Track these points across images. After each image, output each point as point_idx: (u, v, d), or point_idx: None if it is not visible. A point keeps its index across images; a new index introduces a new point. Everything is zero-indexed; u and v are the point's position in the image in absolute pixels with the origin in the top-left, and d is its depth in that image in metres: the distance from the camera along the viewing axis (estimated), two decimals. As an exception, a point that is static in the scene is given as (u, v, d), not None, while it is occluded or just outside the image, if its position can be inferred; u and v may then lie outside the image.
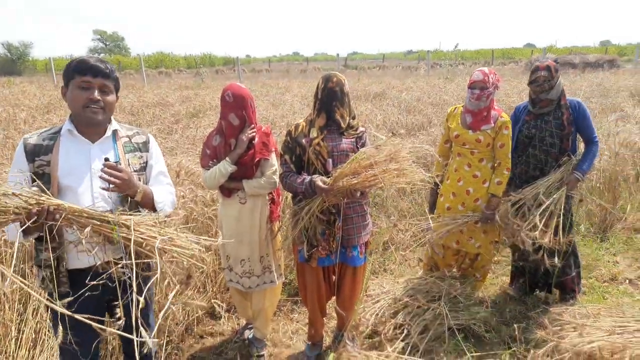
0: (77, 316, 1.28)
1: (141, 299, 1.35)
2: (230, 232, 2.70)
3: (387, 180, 2.18)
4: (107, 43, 52.78)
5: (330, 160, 2.45)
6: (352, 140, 2.51)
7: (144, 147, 2.01)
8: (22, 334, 2.60)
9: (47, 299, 1.33)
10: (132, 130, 2.02)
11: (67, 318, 1.39)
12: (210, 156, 2.69)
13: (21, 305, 2.72)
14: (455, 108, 3.18)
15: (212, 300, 3.12)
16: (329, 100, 2.46)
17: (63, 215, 1.56)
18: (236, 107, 2.57)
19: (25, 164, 1.78)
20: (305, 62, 37.46)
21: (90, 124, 1.84)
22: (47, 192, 1.60)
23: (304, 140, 2.49)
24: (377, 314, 2.88)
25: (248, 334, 2.97)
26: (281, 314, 3.26)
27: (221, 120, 2.67)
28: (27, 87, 15.79)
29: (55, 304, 1.32)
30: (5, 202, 1.48)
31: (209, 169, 2.64)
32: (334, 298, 2.79)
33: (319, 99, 2.50)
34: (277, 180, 2.68)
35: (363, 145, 2.55)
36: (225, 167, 2.55)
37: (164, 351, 2.62)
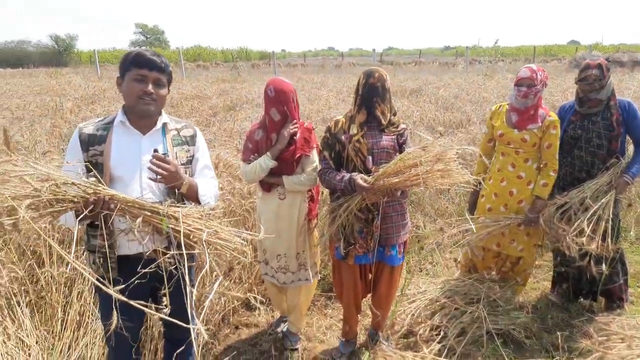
0: (133, 303, 1.32)
1: (194, 291, 1.38)
2: (268, 226, 2.71)
3: (430, 180, 2.13)
4: (148, 36, 54.21)
5: (370, 158, 2.41)
6: (393, 137, 2.47)
7: (191, 140, 2.03)
8: (68, 315, 2.71)
9: (104, 285, 1.36)
10: (180, 124, 2.05)
11: (115, 303, 1.44)
12: (251, 150, 2.70)
13: (66, 288, 2.83)
14: (500, 106, 3.08)
15: (248, 294, 3.16)
16: (370, 96, 2.43)
17: (118, 206, 1.60)
18: (277, 102, 2.56)
19: (80, 153, 1.83)
20: (340, 57, 37.29)
21: (142, 116, 1.87)
22: (101, 181, 1.65)
23: (343, 137, 2.47)
24: (413, 314, 2.84)
25: (282, 327, 2.99)
26: (315, 308, 3.26)
27: (265, 114, 2.68)
28: (72, 78, 16.44)
29: (111, 289, 1.36)
30: (65, 191, 1.53)
31: (249, 163, 2.66)
32: (368, 295, 2.77)
33: (359, 94, 2.47)
34: (316, 177, 2.65)
35: (404, 142, 2.50)
36: (266, 162, 2.55)
37: (202, 339, 2.66)
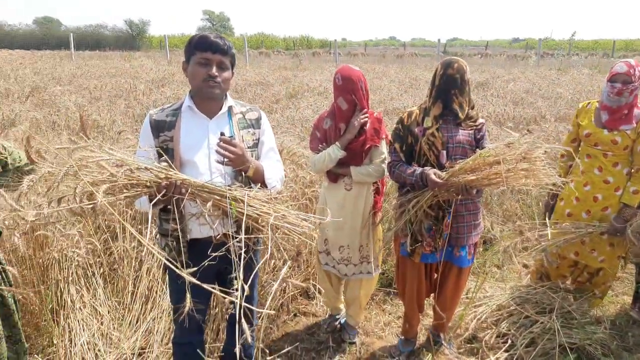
0: (205, 286, 1.33)
1: (246, 287, 1.38)
2: (332, 216, 2.67)
3: (512, 180, 1.99)
4: (214, 23, 55.82)
5: (444, 152, 2.30)
6: (470, 132, 2.34)
7: (257, 123, 2.03)
8: (137, 289, 2.83)
9: (178, 268, 1.38)
10: (245, 107, 2.05)
11: (187, 286, 1.46)
12: (320, 139, 2.67)
13: (137, 263, 2.96)
14: (589, 103, 2.84)
15: (308, 282, 3.16)
16: (447, 87, 2.31)
17: (189, 190, 1.63)
18: (344, 90, 2.50)
19: (151, 139, 1.88)
20: (402, 47, 36.57)
21: (208, 99, 1.89)
22: (173, 166, 1.68)
23: (416, 129, 2.37)
24: (479, 319, 2.71)
25: (340, 318, 2.96)
26: (373, 303, 3.20)
27: (333, 103, 2.65)
28: (144, 62, 17.24)
29: (184, 273, 1.38)
30: (139, 176, 1.57)
31: (318, 153, 2.63)
32: (431, 295, 2.67)
33: (435, 86, 2.35)
34: (386, 168, 2.60)
35: (482, 138, 2.37)
36: (335, 152, 2.51)
37: (262, 324, 2.70)
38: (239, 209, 1.70)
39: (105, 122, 5.69)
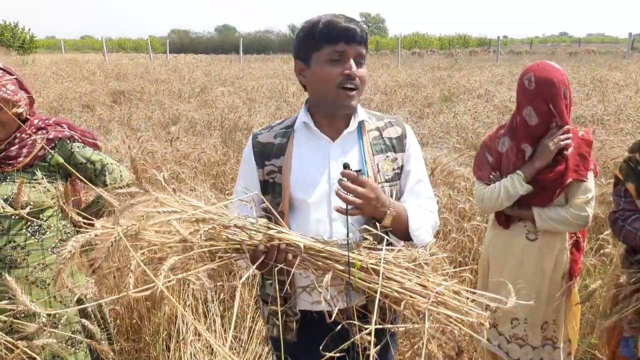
0: None
1: None
2: (502, 276, 1.95)
3: None
4: (369, 25, 56.84)
5: None
6: None
7: (399, 144, 1.38)
8: (255, 325, 2.46)
9: None
10: (382, 120, 1.41)
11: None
12: (492, 165, 1.97)
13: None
14: None
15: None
16: None
17: (298, 258, 1.10)
18: (538, 97, 1.78)
19: (254, 171, 1.38)
20: (575, 44, 32.18)
21: (344, 110, 1.31)
22: (279, 217, 1.17)
23: (671, 163, 1.49)
24: None
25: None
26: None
27: (515, 114, 1.91)
28: (298, 64, 17.96)
29: None
30: (227, 237, 1.07)
31: (489, 184, 1.93)
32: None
33: None
34: (590, 214, 1.82)
35: None
36: (516, 186, 1.81)
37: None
38: (371, 283, 1.12)
39: (254, 124, 5.67)
